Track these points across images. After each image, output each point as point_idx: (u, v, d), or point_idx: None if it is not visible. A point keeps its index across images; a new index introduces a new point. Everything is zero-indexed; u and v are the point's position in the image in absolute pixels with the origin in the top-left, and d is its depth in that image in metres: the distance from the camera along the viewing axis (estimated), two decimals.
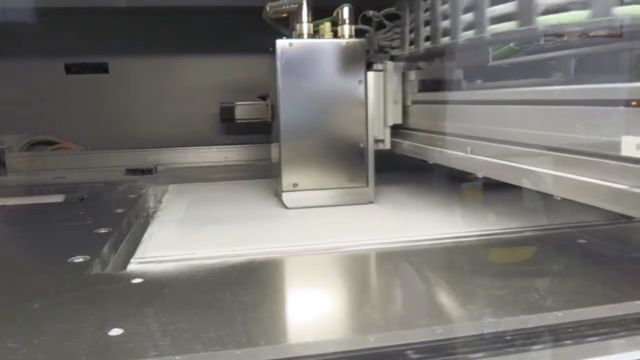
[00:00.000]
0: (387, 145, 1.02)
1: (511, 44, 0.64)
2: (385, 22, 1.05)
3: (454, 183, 1.00)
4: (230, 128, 1.61)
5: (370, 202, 0.92)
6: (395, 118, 1.01)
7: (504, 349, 0.38)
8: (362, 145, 0.91)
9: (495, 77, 0.82)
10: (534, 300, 0.46)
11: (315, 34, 0.92)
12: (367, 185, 0.92)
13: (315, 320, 0.45)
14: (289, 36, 0.93)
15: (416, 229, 0.73)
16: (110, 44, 1.54)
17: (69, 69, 1.57)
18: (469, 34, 0.68)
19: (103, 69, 1.60)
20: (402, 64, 1.01)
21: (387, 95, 1.00)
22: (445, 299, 0.49)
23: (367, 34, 1.04)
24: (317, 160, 0.90)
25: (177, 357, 0.38)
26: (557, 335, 0.40)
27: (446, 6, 0.78)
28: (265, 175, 1.14)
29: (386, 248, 0.65)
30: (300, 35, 0.91)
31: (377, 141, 0.97)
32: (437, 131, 0.90)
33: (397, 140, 1.04)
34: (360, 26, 1.01)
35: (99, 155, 1.47)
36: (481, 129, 0.75)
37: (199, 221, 0.83)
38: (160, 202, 1.02)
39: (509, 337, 0.40)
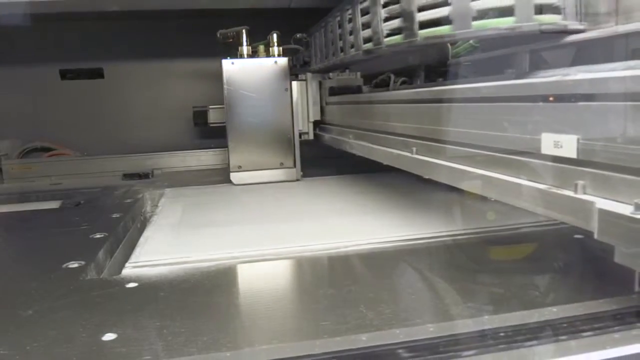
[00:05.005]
0: (311, 136, 1.31)
1: (471, 41, 0.65)
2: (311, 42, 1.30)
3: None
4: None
5: (297, 180, 1.21)
6: (315, 115, 1.30)
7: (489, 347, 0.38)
8: (289, 136, 1.21)
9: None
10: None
11: (254, 53, 1.24)
12: (295, 166, 1.22)
13: (309, 320, 0.45)
14: (235, 55, 1.23)
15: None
16: (105, 49, 1.54)
17: (64, 75, 1.57)
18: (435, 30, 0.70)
19: (98, 74, 1.60)
20: (318, 75, 1.28)
21: (308, 98, 1.29)
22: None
23: (299, 52, 1.34)
24: (256, 148, 1.20)
25: None
26: (548, 331, 0.40)
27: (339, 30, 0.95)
28: None
29: (381, 248, 0.65)
30: (241, 55, 1.23)
31: (302, 133, 1.28)
32: (345, 125, 1.13)
33: (319, 132, 1.31)
34: (292, 46, 1.31)
35: (95, 160, 1.46)
36: (381, 124, 0.87)
37: (195, 225, 0.83)
38: (156, 206, 1.02)
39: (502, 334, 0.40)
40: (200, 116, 1.50)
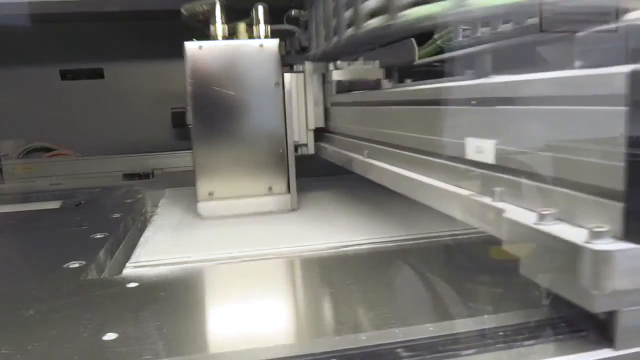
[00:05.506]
0: (311, 150, 0.95)
1: (438, 42, 0.61)
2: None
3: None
4: None
5: (293, 210, 0.87)
6: (317, 121, 0.95)
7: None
8: (281, 150, 0.86)
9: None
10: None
11: (232, 35, 0.88)
12: (288, 192, 0.87)
13: (309, 320, 0.45)
14: (207, 38, 0.87)
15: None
16: (105, 49, 1.54)
17: (64, 75, 1.57)
18: (374, 21, 0.58)
19: (98, 74, 1.60)
20: (322, 64, 0.93)
21: (308, 97, 0.93)
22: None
23: (295, 34, 1.00)
24: (234, 168, 0.86)
25: None
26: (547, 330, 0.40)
27: None
28: None
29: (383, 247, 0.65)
30: (214, 37, 0.86)
31: (299, 146, 0.93)
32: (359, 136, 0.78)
33: (322, 144, 0.96)
34: (285, 26, 0.97)
35: (95, 160, 1.46)
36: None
37: (195, 225, 0.83)
38: (157, 206, 1.02)
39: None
40: (178, 117, 1.42)
